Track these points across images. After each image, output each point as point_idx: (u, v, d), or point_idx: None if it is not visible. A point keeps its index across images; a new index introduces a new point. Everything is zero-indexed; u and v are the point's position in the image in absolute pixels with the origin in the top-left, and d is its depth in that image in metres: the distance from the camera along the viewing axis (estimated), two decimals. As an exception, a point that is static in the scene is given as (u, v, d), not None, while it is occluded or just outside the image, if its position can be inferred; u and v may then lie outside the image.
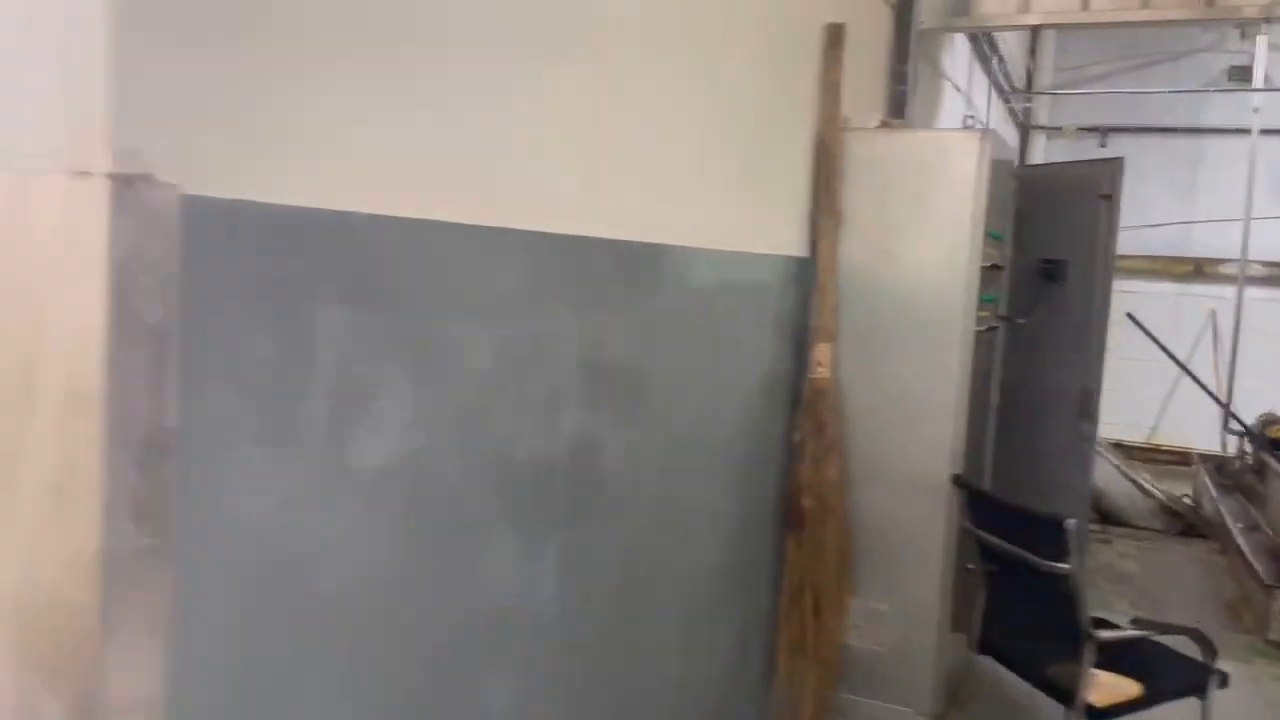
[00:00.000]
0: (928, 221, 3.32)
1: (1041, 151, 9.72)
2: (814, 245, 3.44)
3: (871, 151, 3.37)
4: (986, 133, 3.33)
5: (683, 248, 2.58)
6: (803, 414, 3.38)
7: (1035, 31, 9.12)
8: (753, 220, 3.08)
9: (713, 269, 2.75)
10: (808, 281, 3.43)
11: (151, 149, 1.13)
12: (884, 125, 3.55)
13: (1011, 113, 8.75)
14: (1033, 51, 9.40)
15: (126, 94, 1.10)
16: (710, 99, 2.72)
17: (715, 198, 2.79)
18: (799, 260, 3.39)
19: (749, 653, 3.30)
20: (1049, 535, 2.77)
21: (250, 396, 1.32)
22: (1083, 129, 9.55)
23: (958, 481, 3.28)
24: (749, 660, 3.31)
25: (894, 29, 4.29)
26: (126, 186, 1.10)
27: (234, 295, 1.29)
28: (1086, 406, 4.06)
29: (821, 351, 3.39)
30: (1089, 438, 4.11)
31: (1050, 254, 4.04)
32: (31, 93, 1.14)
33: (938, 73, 5.43)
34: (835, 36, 3.38)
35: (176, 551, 1.20)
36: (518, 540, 1.93)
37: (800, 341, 3.41)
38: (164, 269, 1.15)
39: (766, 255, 3.17)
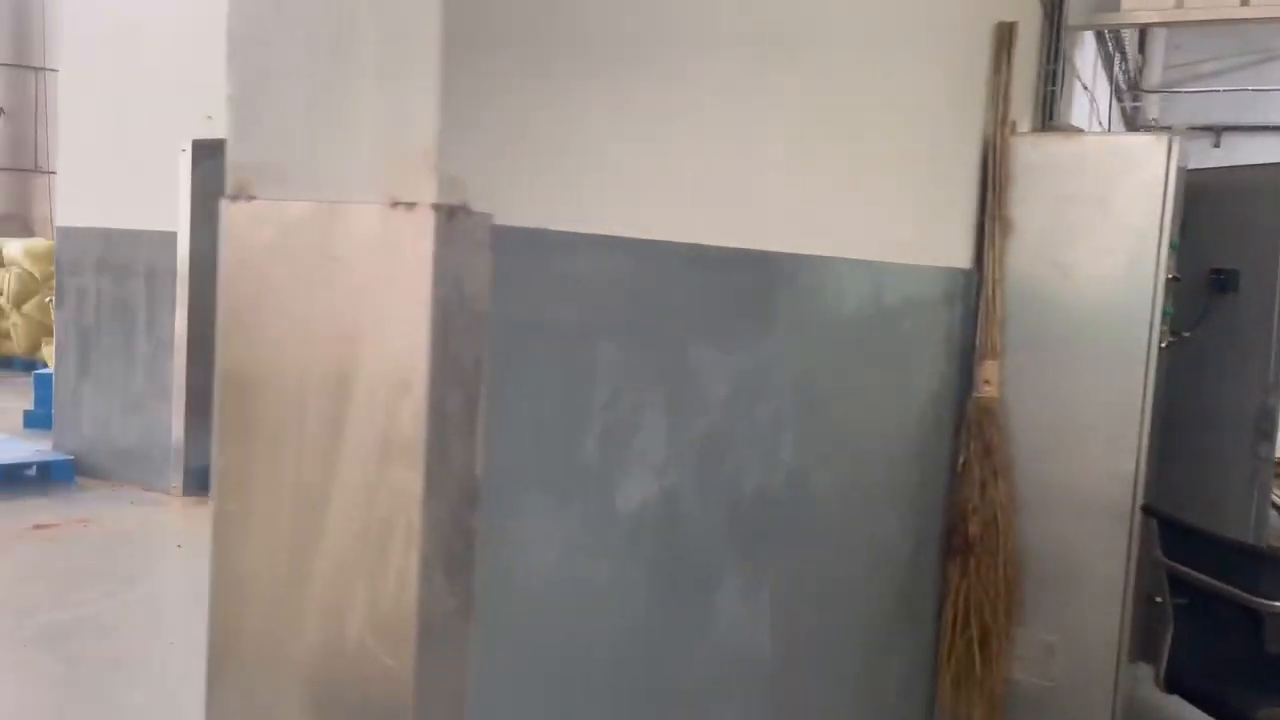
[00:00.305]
0: (1107, 232, 3.13)
1: (1150, 152, 9.32)
2: (979, 256, 3.27)
3: (1043, 156, 3.19)
4: (1175, 138, 3.13)
5: (868, 262, 2.45)
6: (969, 434, 3.21)
7: (1145, 28, 8.78)
8: (924, 231, 2.93)
9: (890, 283, 2.61)
10: (971, 295, 3.26)
11: (467, 177, 1.04)
12: (1051, 128, 3.37)
13: (1122, 111, 8.43)
14: (1141, 48, 9.03)
15: (451, 119, 1.00)
16: (887, 103, 2.58)
17: (893, 207, 2.66)
18: (964, 273, 3.22)
19: (912, 685, 3.14)
20: (1269, 571, 2.57)
21: (539, 440, 1.22)
22: (1195, 128, 9.15)
23: (1149, 510, 3.08)
24: (912, 693, 3.15)
25: (1043, 27, 4.09)
26: (449, 217, 1.01)
27: (525, 330, 1.19)
28: (1264, 426, 3.82)
29: (989, 369, 3.21)
30: (1268, 459, 3.86)
31: (1219, 263, 3.80)
32: (343, 117, 1.05)
33: (1071, 72, 5.20)
34: (1005, 36, 3.22)
35: (478, 611, 1.11)
36: (742, 579, 1.82)
37: (965, 358, 3.25)
38: (478, 306, 1.05)
39: (935, 268, 3.01)
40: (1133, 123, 9.09)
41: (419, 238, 1.00)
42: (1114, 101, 7.15)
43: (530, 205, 1.17)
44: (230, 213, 1.09)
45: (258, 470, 1.08)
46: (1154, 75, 9.15)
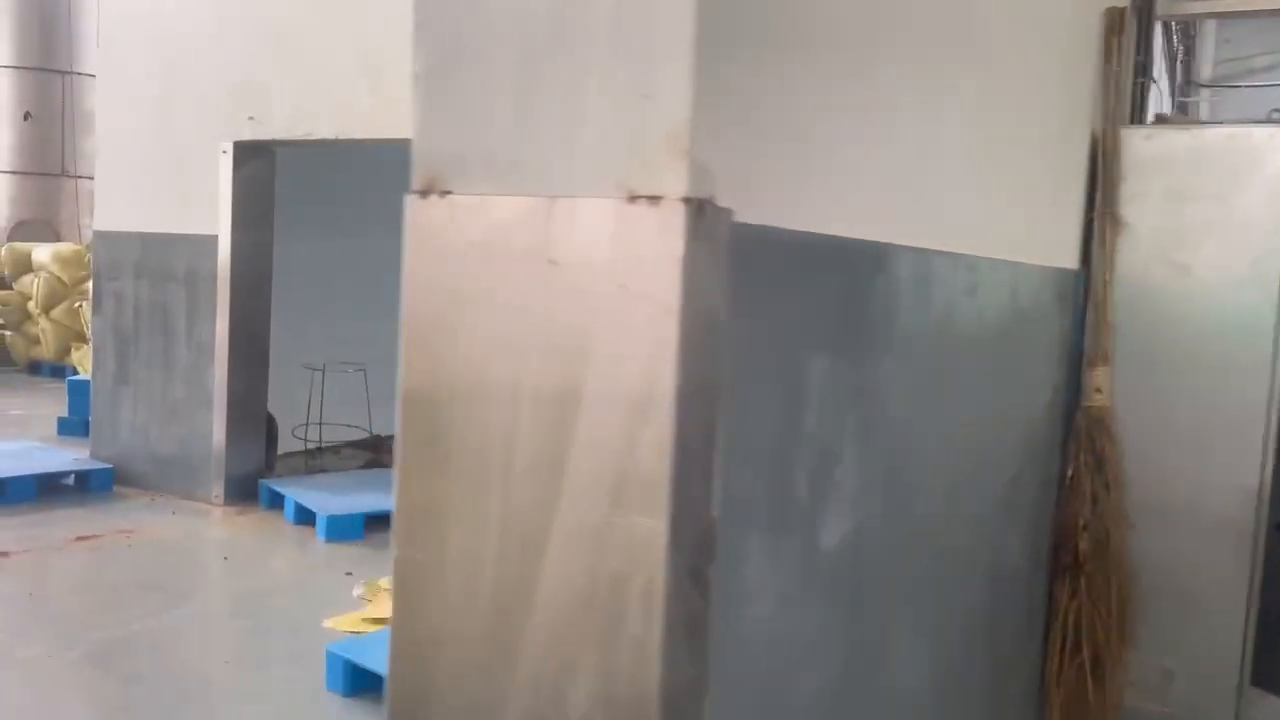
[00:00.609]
0: (1228, 230, 2.94)
1: (1200, 149, 9.08)
2: (1086, 256, 3.09)
3: (1156, 150, 3.01)
4: (1303, 128, 2.94)
5: (1010, 263, 2.28)
6: (1078, 445, 3.02)
7: (1207, 19, 8.55)
8: (1039, 229, 2.75)
9: (1024, 285, 2.44)
10: (1079, 297, 3.08)
11: (713, 166, 0.87)
12: (1162, 120, 3.19)
13: (1177, 107, 8.21)
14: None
15: (704, 98, 0.83)
16: (1016, 97, 2.41)
17: (1024, 205, 2.48)
18: (1072, 273, 3.04)
19: (1025, 713, 2.96)
20: None
21: (758, 471, 1.06)
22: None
23: (1285, 528, 2.90)
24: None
25: (1136, 16, 3.90)
26: (699, 213, 0.84)
27: (747, 342, 1.03)
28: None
29: (1099, 376, 3.03)
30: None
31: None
32: (566, 96, 0.89)
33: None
34: (1115, 23, 3.04)
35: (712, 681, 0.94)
36: (911, 613, 1.64)
37: (1073, 364, 3.06)
38: (720, 316, 0.89)
39: (1049, 268, 2.84)
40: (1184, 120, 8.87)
41: (665, 236, 0.83)
42: (1174, 96, 6.95)
43: (758, 199, 1.00)
44: (418, 211, 0.93)
45: (453, 511, 0.92)
46: (1204, 70, 8.93)
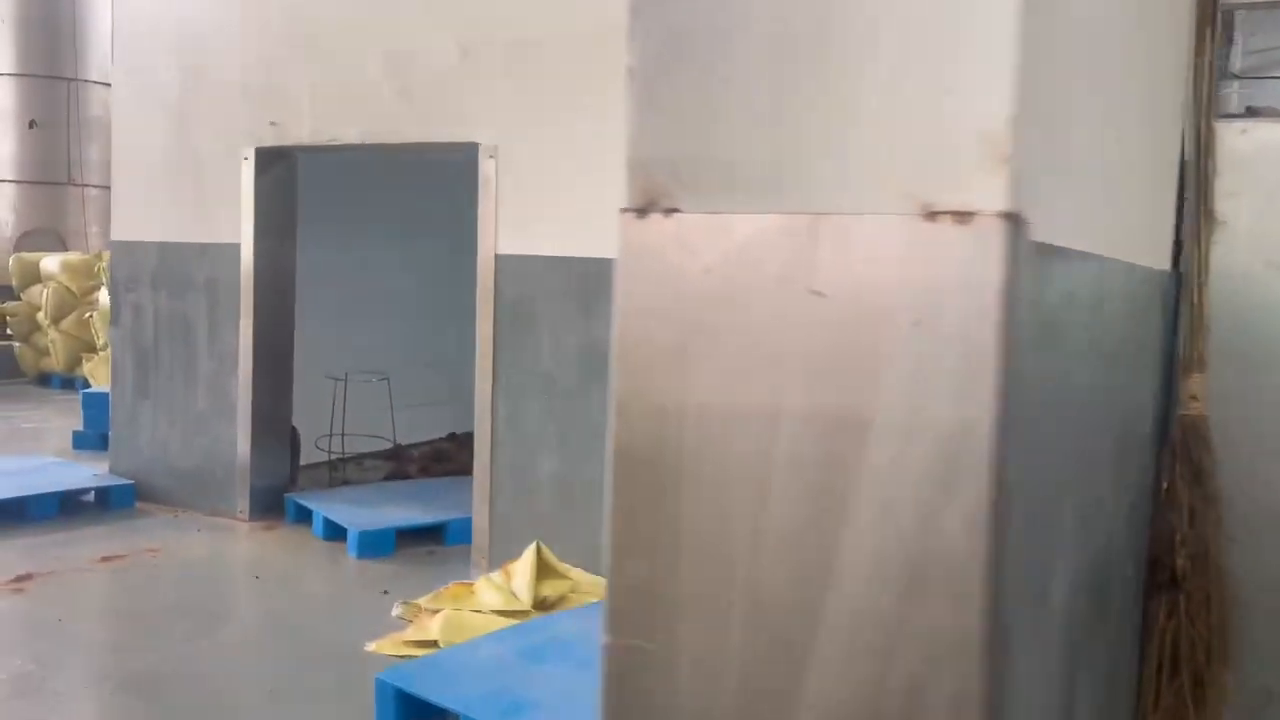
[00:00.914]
0: (1336, 228, 2.79)
1: (1228, 141, 8.92)
2: (1177, 255, 2.93)
3: (1254, 145, 2.85)
4: None
5: (1136, 266, 2.12)
6: (1173, 456, 2.87)
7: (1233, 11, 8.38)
8: (1146, 229, 2.60)
9: (1143, 291, 2.28)
10: (1171, 299, 2.92)
11: (1024, 171, 0.70)
12: (1255, 112, 3.03)
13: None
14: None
15: (1027, 89, 0.66)
16: (1147, 94, 2.26)
17: (1137, 205, 2.33)
18: (1163, 273, 2.89)
19: (1124, 741, 2.81)
20: None
21: (1021, 531, 0.90)
22: None
23: None
24: (1122, 750, 2.81)
25: (1206, 5, 3.75)
26: (1018, 233, 0.68)
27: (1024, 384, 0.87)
28: None
29: (1196, 383, 2.87)
30: None
31: None
32: (832, 87, 0.72)
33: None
34: (1207, 10, 2.88)
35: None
36: (1086, 659, 1.49)
37: (1166, 370, 2.91)
38: (1030, 357, 0.73)
39: (1152, 270, 2.68)
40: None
41: (979, 262, 0.66)
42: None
43: (1032, 209, 0.84)
44: (634, 232, 0.76)
45: (684, 594, 0.75)
46: (1234, 61, 8.76)
